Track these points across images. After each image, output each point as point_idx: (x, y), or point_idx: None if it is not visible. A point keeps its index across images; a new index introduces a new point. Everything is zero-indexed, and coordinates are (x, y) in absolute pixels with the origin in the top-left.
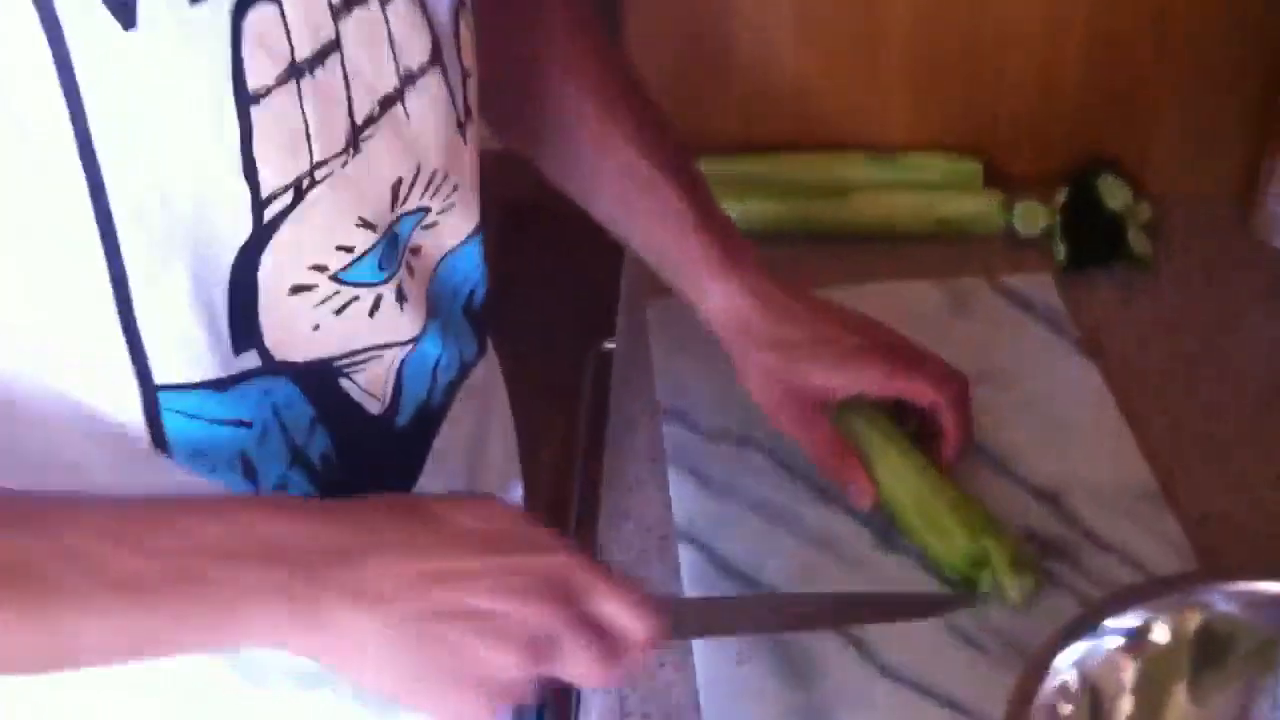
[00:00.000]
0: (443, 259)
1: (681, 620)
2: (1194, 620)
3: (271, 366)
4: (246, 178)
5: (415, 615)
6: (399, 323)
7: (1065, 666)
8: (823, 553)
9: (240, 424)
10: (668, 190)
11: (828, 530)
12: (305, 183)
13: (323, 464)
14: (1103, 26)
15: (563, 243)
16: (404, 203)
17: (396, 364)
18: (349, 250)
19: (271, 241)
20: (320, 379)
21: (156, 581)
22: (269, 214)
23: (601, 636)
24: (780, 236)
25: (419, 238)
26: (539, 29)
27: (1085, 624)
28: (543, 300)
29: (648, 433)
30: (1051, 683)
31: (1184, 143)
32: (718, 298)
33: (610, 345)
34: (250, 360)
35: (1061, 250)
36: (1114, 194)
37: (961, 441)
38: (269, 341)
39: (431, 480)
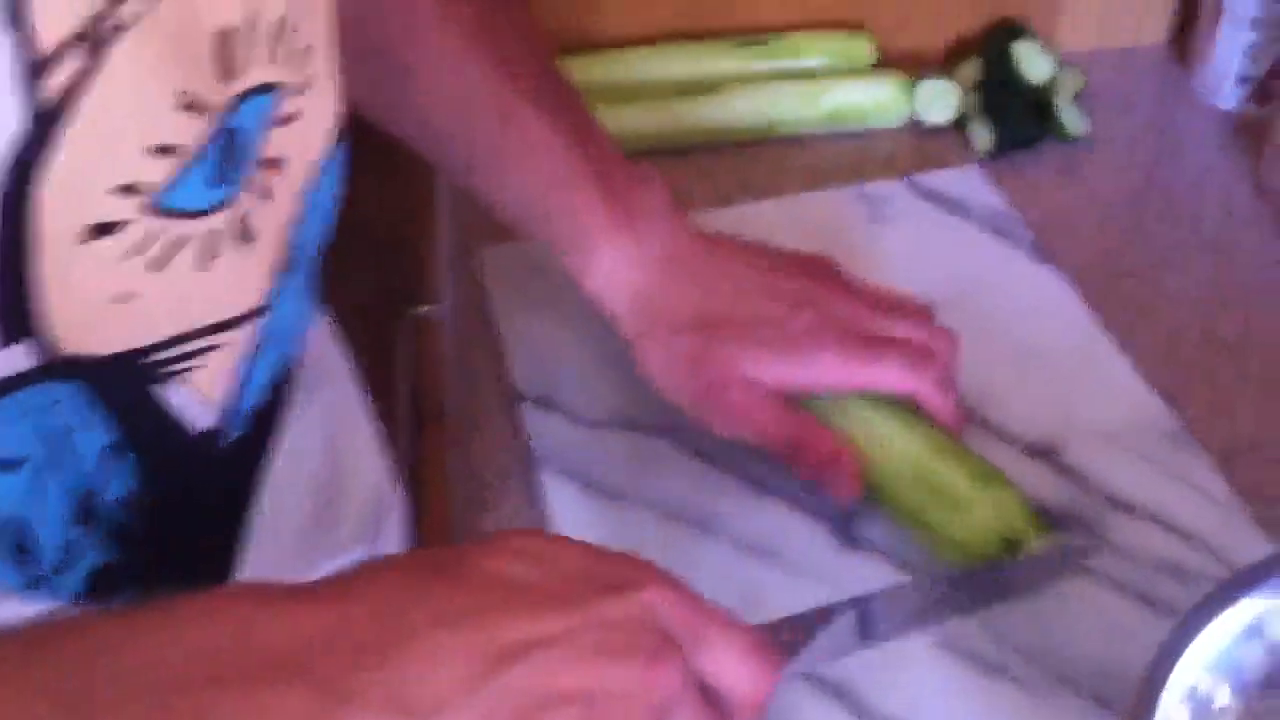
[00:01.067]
0: (306, 181)
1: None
2: None
3: (54, 366)
4: (14, 26)
5: (483, 718)
6: (244, 282)
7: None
8: (767, 563)
9: (4, 466)
10: (532, 120)
11: (770, 533)
12: (104, 28)
13: (122, 515)
14: None
15: (369, 179)
16: (239, 72)
17: (239, 353)
18: (168, 152)
19: (54, 144)
20: (127, 384)
21: None
22: (49, 90)
23: (709, 699)
24: (640, 153)
25: (274, 142)
26: None
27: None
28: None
29: (499, 429)
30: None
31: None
32: (607, 262)
33: (426, 310)
34: (19, 358)
35: (984, 136)
36: (1034, 63)
37: (956, 426)
38: (52, 324)
39: (276, 522)
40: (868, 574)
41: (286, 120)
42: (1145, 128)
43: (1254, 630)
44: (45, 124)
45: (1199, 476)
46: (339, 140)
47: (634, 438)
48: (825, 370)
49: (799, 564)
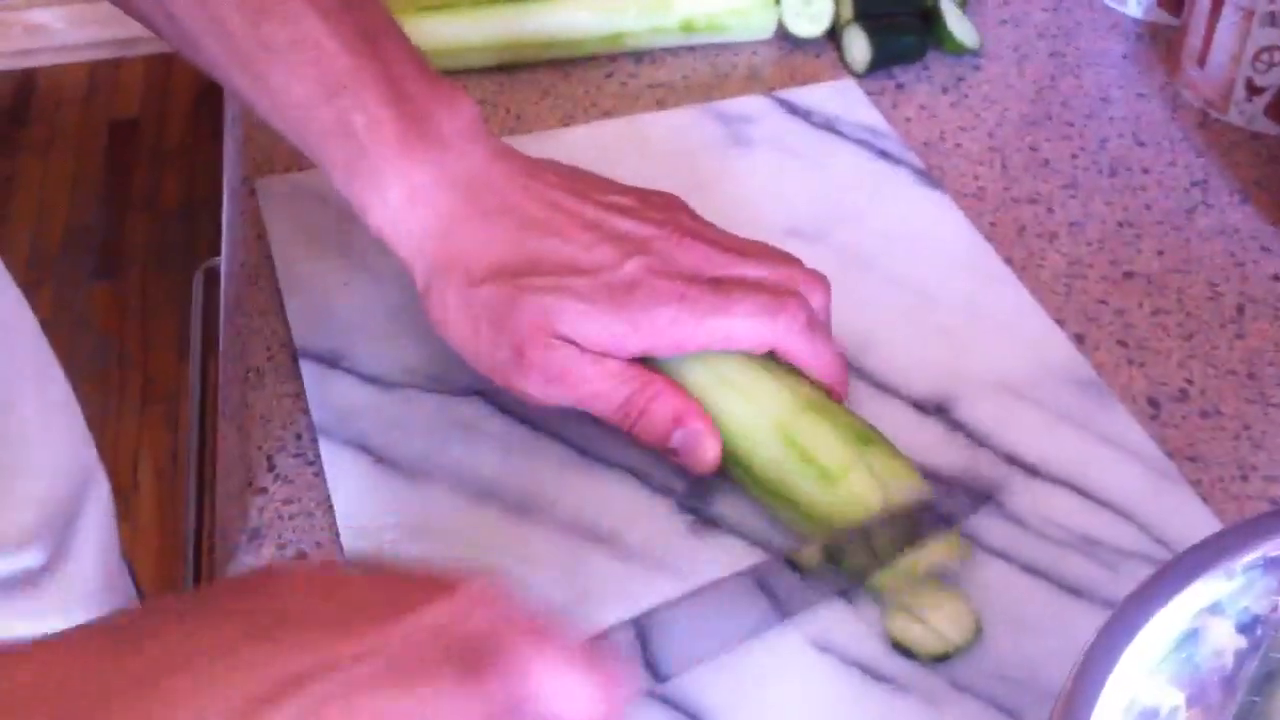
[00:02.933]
0: None
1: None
2: None
3: None
4: None
5: None
6: None
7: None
8: (602, 549)
9: None
10: (298, 13)
11: (604, 512)
12: None
13: None
14: None
15: (175, 162)
16: None
17: None
18: None
19: None
20: None
21: None
22: None
23: None
24: (464, 71)
25: None
26: None
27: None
28: (152, 222)
29: (277, 393)
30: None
31: None
32: (393, 194)
33: (216, 261)
34: None
35: (860, 49)
36: None
37: (834, 383)
38: None
39: None
40: (721, 558)
41: None
42: (1043, 37)
43: (1207, 622)
44: None
45: (1119, 432)
46: None
47: (437, 400)
48: (659, 329)
49: (640, 549)
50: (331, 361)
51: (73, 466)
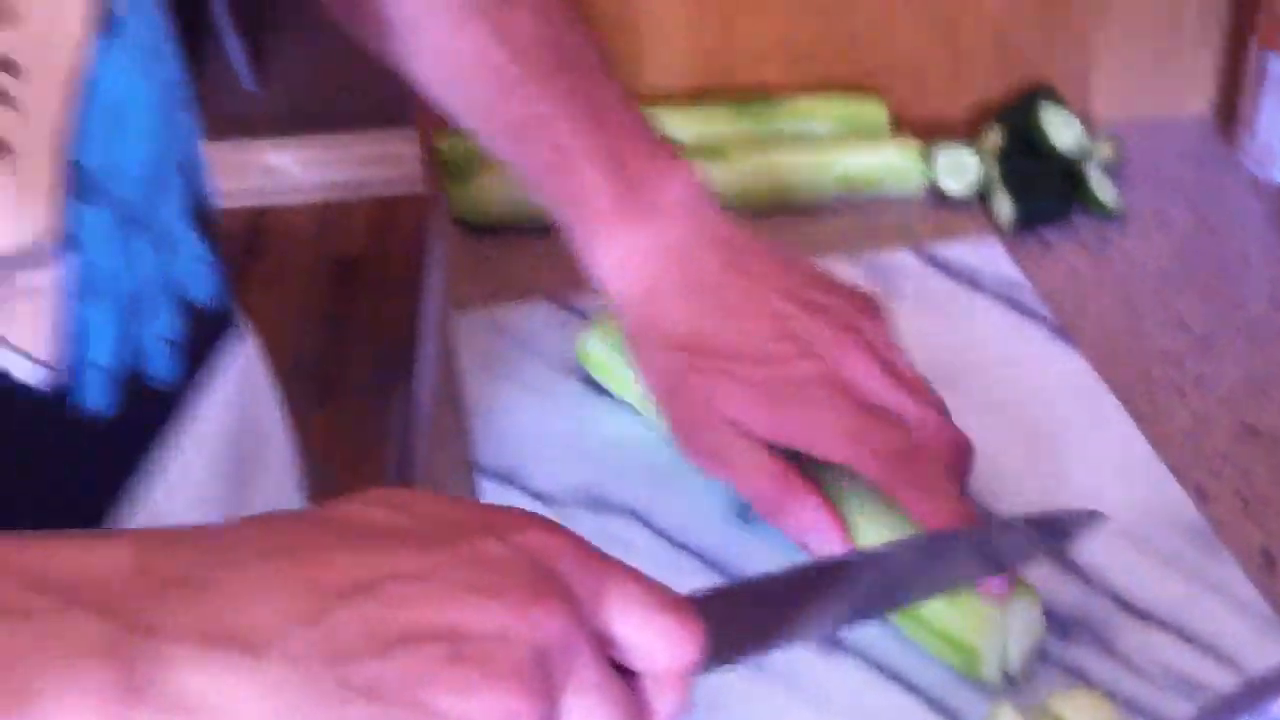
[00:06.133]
0: (65, 85)
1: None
2: None
3: None
4: None
5: (325, 656)
6: (17, 206)
7: None
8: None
9: None
10: (535, 96)
11: None
12: None
13: None
14: None
15: (394, 297)
16: None
17: (53, 299)
18: None
19: None
20: None
21: None
22: None
23: (616, 672)
24: None
25: None
26: None
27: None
28: (370, 353)
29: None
30: None
31: (1136, 56)
32: (615, 251)
33: (416, 387)
34: None
35: (1006, 208)
36: (1061, 130)
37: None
38: None
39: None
40: (853, 676)
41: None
42: (1184, 201)
43: None
44: None
45: (1226, 582)
46: (109, 33)
47: (595, 518)
48: (810, 434)
49: (769, 659)
50: (507, 478)
51: None
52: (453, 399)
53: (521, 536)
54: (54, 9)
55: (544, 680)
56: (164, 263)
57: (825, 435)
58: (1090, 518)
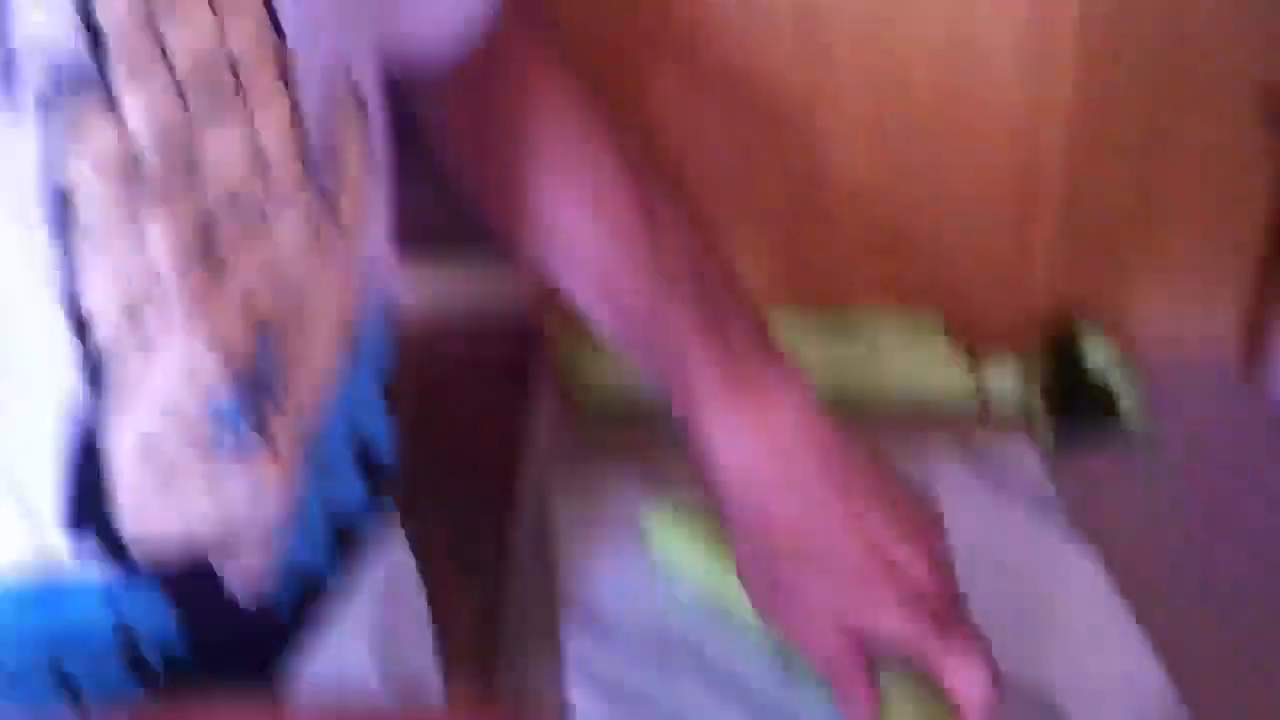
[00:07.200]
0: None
1: None
2: None
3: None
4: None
5: None
6: (268, 479)
7: None
8: None
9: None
10: (666, 310)
11: None
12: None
13: (166, 669)
14: (1081, 171)
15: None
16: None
17: (271, 539)
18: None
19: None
20: (189, 574)
21: None
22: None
23: None
24: None
25: (286, 370)
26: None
27: None
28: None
29: (543, 649)
30: None
31: (1172, 300)
32: (718, 442)
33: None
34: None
35: (1046, 430)
36: (1103, 363)
37: None
38: (120, 524)
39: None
40: None
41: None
42: (1213, 437)
43: None
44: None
45: None
46: (355, 365)
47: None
48: (885, 625)
49: None
50: (587, 620)
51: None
52: (542, 546)
53: None
54: (316, 337)
55: None
56: (339, 492)
57: (903, 631)
58: None
